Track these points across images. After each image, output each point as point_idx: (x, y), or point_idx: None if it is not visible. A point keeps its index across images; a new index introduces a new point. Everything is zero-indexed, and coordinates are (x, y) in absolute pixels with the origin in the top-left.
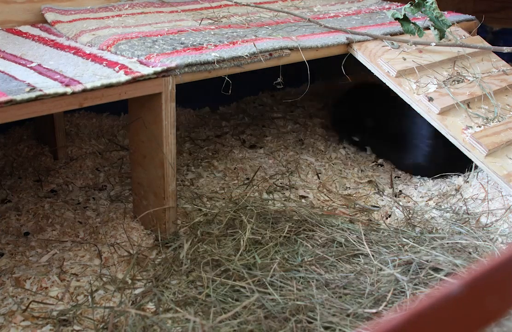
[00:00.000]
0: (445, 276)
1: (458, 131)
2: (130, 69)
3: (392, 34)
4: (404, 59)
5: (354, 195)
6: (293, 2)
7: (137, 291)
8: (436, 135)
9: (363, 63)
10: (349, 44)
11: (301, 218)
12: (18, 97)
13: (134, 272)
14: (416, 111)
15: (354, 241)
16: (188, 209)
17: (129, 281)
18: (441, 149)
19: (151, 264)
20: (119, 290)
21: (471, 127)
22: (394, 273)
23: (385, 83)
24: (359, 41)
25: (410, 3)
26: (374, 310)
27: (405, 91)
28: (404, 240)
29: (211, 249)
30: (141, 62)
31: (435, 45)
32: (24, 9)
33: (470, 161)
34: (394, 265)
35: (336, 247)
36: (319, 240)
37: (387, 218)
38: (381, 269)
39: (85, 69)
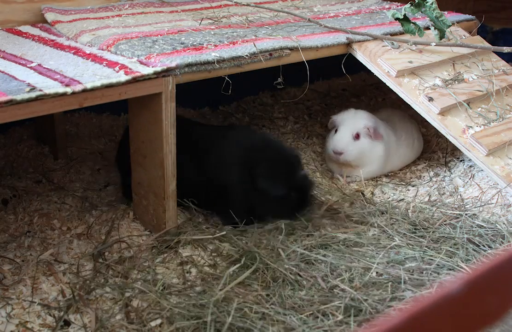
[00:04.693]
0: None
1: (458, 131)
2: (130, 69)
3: (392, 34)
4: (404, 59)
5: (355, 193)
6: (293, 2)
7: (136, 291)
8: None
9: (363, 63)
10: (349, 44)
11: None
12: (18, 97)
13: (133, 272)
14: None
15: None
16: (188, 208)
17: (128, 281)
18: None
19: (151, 264)
20: (120, 290)
21: (471, 127)
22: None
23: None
24: (359, 41)
25: (410, 3)
26: None
27: (405, 91)
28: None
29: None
30: (141, 62)
31: (435, 45)
32: (24, 9)
33: None
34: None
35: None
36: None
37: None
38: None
39: (85, 69)
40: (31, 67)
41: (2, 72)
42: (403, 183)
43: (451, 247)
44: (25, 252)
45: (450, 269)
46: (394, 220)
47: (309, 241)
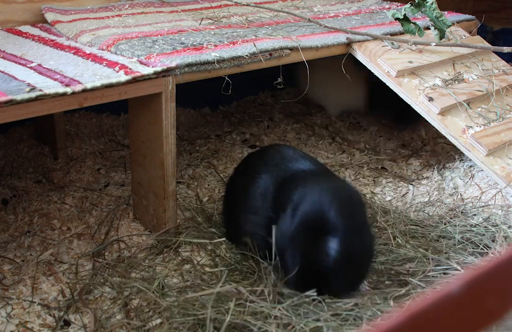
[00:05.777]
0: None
1: (458, 131)
2: (130, 69)
3: (392, 34)
4: (404, 59)
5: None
6: (293, 2)
7: (135, 291)
8: None
9: (363, 63)
10: (349, 44)
11: None
12: (18, 97)
13: (133, 271)
14: None
15: None
16: (187, 208)
17: (128, 281)
18: None
19: (150, 263)
20: (119, 289)
21: (471, 127)
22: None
23: None
24: (359, 41)
25: (410, 3)
26: None
27: (405, 91)
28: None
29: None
30: (141, 62)
31: (435, 45)
32: (24, 9)
33: None
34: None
35: None
36: None
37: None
38: None
39: (85, 69)
40: (31, 67)
41: (2, 72)
42: (403, 183)
43: (451, 247)
44: (25, 252)
45: (450, 269)
46: (395, 219)
47: None
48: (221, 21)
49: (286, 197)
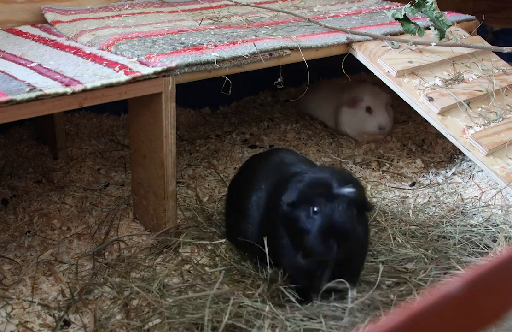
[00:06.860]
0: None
1: (458, 131)
2: (130, 69)
3: (392, 34)
4: (404, 59)
5: None
6: (293, 2)
7: (135, 291)
8: None
9: (363, 63)
10: (349, 44)
11: None
12: (18, 97)
13: (133, 271)
14: None
15: None
16: (187, 208)
17: (128, 281)
18: None
19: (150, 263)
20: (119, 289)
21: (471, 127)
22: None
23: None
24: (359, 41)
25: (410, 3)
26: None
27: (405, 91)
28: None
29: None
30: (141, 62)
31: (435, 45)
32: (24, 9)
33: None
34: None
35: None
36: None
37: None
38: None
39: (85, 69)
40: (31, 67)
41: (2, 72)
42: (403, 183)
43: (451, 247)
44: (25, 252)
45: (450, 269)
46: (395, 219)
47: None
48: (221, 21)
49: (276, 198)
